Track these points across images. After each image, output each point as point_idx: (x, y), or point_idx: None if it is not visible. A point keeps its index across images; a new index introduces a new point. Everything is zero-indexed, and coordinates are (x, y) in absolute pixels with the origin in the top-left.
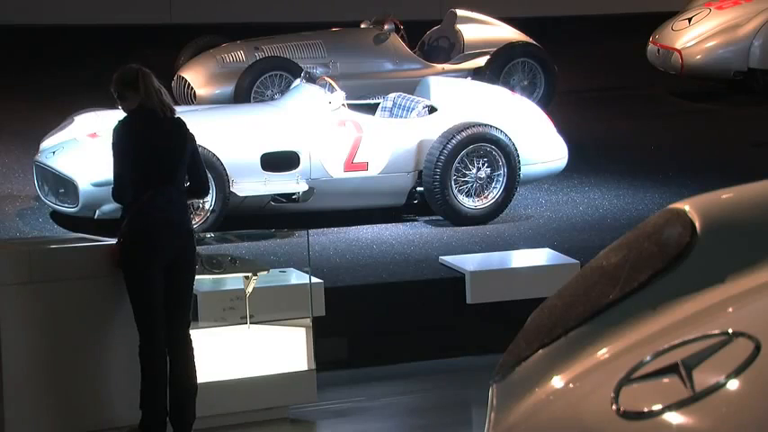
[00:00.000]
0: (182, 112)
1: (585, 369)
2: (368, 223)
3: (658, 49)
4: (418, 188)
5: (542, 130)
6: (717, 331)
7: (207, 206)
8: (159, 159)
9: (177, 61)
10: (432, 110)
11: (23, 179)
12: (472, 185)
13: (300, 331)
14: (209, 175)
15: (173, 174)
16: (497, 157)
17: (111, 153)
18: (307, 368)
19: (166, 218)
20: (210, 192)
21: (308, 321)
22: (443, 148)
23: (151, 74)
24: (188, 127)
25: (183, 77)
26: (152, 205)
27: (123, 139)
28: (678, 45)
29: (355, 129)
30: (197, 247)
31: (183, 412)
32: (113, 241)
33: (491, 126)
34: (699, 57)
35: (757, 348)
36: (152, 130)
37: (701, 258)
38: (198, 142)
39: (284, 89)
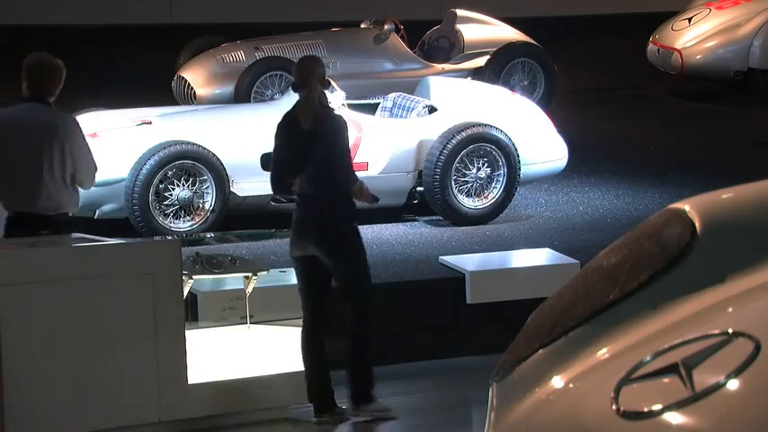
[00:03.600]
0: (182, 112)
1: (585, 369)
2: (368, 223)
3: (658, 49)
4: (418, 188)
5: (542, 130)
6: (717, 331)
7: (207, 206)
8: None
9: (177, 61)
10: (432, 110)
11: None
12: (472, 185)
13: (300, 331)
14: (351, 166)
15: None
16: (497, 157)
17: None
18: None
19: (299, 212)
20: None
21: None
22: (443, 148)
23: None
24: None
25: (182, 77)
26: (295, 201)
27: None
28: (678, 45)
29: (355, 129)
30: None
31: (352, 379)
32: (114, 241)
33: (491, 126)
34: (699, 57)
35: (757, 348)
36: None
37: (701, 258)
38: (198, 142)
39: (284, 89)
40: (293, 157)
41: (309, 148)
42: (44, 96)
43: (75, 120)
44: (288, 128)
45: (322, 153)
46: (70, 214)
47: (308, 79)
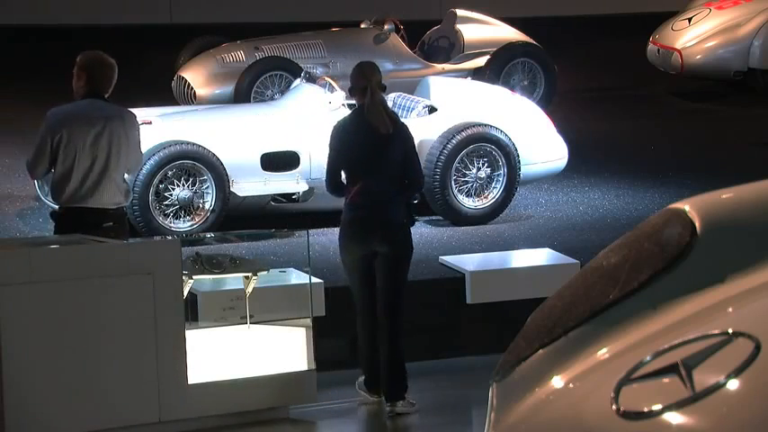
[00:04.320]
0: (182, 111)
1: (585, 369)
2: None
3: (658, 49)
4: None
5: (542, 130)
6: (717, 331)
7: (207, 206)
8: (360, 166)
9: (177, 61)
10: (432, 110)
11: (23, 179)
12: (472, 185)
13: (300, 331)
14: (417, 171)
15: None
16: (497, 157)
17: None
18: (307, 368)
19: (362, 212)
20: (420, 188)
21: (308, 321)
22: (443, 148)
23: None
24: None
25: (182, 77)
26: (351, 202)
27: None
28: (678, 45)
29: None
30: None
31: (386, 383)
32: (114, 241)
33: (491, 126)
34: (699, 57)
35: (757, 348)
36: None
37: (700, 258)
38: (198, 142)
39: (284, 89)
40: (370, 160)
41: (386, 152)
42: (102, 93)
43: (134, 113)
44: (361, 132)
45: (399, 156)
46: (125, 207)
47: (368, 85)
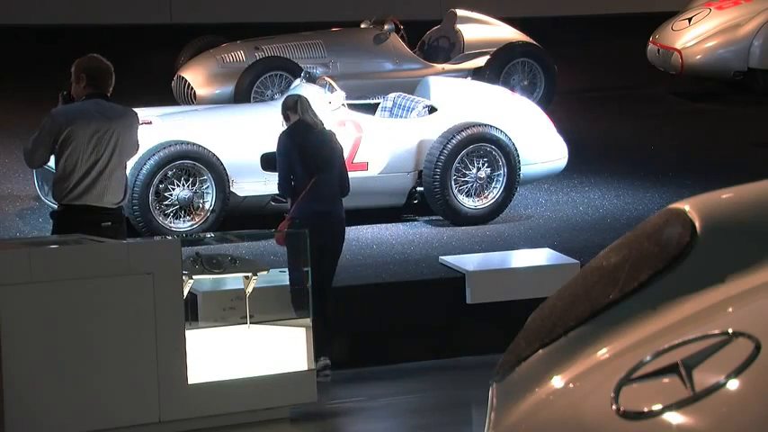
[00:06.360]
0: (182, 111)
1: (585, 369)
2: (368, 223)
3: (658, 49)
4: (418, 188)
5: (542, 130)
6: (717, 331)
7: (207, 206)
8: (313, 161)
9: (177, 61)
10: (432, 110)
11: (23, 179)
12: (472, 185)
13: (300, 331)
14: (348, 176)
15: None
16: (497, 157)
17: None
18: (307, 368)
19: (318, 209)
20: (346, 192)
21: (308, 321)
22: (443, 148)
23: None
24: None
25: (183, 77)
26: (306, 198)
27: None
28: (678, 45)
29: (355, 129)
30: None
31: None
32: (114, 241)
33: (491, 126)
34: (699, 57)
35: (757, 348)
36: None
37: (700, 258)
38: (198, 142)
39: (284, 89)
40: (319, 159)
41: (331, 151)
42: (105, 93)
43: (136, 112)
44: (308, 135)
45: (339, 157)
46: (123, 206)
47: (298, 99)
